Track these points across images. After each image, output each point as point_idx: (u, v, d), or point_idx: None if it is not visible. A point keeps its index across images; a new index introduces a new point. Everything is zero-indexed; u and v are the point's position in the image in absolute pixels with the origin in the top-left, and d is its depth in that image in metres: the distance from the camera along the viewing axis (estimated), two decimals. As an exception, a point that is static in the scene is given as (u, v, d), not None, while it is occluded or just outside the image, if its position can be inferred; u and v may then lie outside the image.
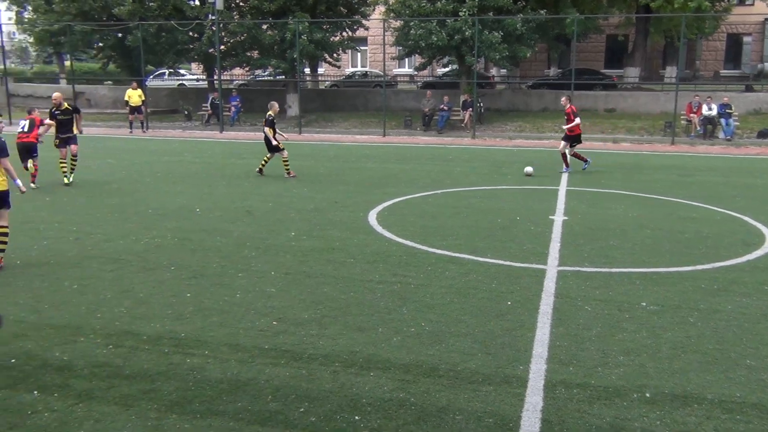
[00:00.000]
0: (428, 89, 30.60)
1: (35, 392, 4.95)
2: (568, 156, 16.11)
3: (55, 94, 14.58)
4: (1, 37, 33.28)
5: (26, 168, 13.53)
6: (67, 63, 38.22)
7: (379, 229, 10.11)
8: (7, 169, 8.05)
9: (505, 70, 36.15)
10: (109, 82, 38.16)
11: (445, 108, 26.98)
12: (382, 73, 31.74)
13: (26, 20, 40.20)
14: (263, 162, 15.33)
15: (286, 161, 15.15)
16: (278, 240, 9.41)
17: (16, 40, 54.62)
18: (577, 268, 8.03)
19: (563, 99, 16.27)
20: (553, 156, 18.41)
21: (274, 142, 14.88)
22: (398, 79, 41.74)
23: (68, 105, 14.48)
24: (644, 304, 6.80)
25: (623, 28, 37.17)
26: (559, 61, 40.44)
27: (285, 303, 6.85)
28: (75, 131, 14.52)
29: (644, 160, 18.79)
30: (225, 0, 27.87)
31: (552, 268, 8.08)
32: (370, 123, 28.37)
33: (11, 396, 4.91)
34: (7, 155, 8.04)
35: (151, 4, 29.01)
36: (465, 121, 26.69)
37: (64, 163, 14.15)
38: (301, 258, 8.50)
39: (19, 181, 8.33)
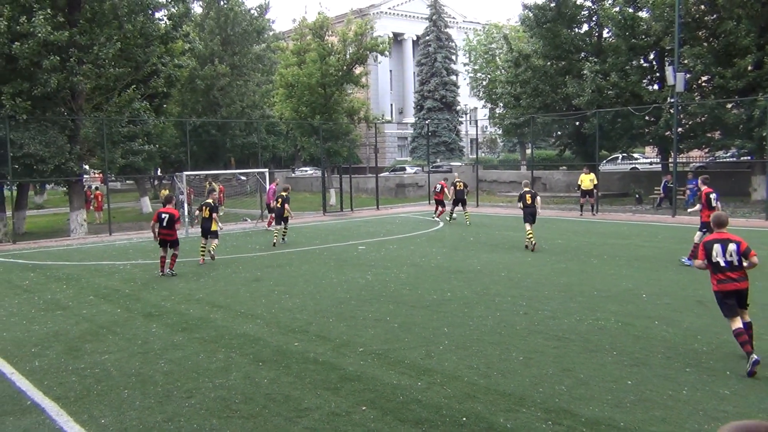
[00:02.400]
0: None
1: (480, 452, 5.33)
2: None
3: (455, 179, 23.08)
4: (477, 131, 38.30)
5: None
6: (528, 151, 41.73)
7: None
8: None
9: None
10: (564, 167, 40.26)
11: None
12: None
13: (497, 116, 45.59)
14: None
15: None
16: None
17: (488, 132, 62.10)
18: None
19: (699, 180, 13.98)
20: None
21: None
22: None
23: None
24: None
25: None
26: None
27: (741, 410, 6.04)
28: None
29: None
30: (686, 81, 27.02)
31: None
32: None
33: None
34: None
35: (609, 92, 29.88)
36: None
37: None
38: (765, 362, 7.43)
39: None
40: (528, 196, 16.89)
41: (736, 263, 7.37)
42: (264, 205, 26.59)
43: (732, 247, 7.41)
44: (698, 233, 13.84)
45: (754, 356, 7.03)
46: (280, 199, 19.38)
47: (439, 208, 25.67)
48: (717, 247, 7.46)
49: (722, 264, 7.42)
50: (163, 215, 14.11)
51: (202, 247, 16.33)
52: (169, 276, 14.18)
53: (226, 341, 8.87)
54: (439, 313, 10.11)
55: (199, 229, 16.96)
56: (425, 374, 7.26)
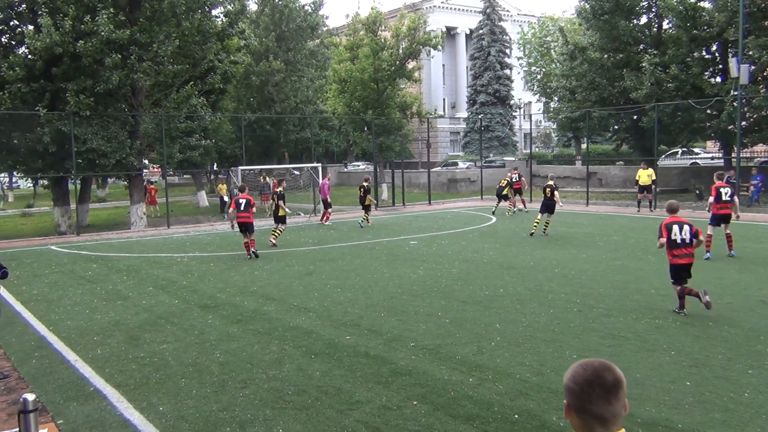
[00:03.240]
0: None
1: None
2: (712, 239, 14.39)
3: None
4: (531, 126, 37.80)
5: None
6: (583, 146, 40.95)
7: None
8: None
9: None
10: (621, 162, 39.35)
11: None
12: None
13: (551, 110, 44.89)
14: None
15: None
16: (801, 339, 8.10)
17: (542, 127, 61.16)
18: None
19: (714, 176, 15.12)
20: None
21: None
22: None
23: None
24: None
25: None
26: None
27: (806, 414, 5.81)
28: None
29: None
30: (751, 73, 26.04)
31: None
32: None
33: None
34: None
35: (668, 85, 29.06)
36: None
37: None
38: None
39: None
40: (548, 189, 18.75)
41: (689, 241, 9.32)
42: (318, 200, 26.84)
43: (686, 228, 9.38)
44: (709, 227, 14.49)
45: (707, 297, 9.16)
46: (362, 189, 23.06)
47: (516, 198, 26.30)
48: (675, 228, 9.37)
49: (679, 241, 9.33)
50: (241, 200, 16.35)
51: (279, 230, 18.50)
52: (254, 257, 16.01)
53: (279, 333, 9.00)
54: (491, 309, 10.04)
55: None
56: (477, 370, 7.22)
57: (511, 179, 25.69)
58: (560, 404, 6.18)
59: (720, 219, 14.50)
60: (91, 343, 8.85)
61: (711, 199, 14.61)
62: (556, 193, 18.58)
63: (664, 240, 9.37)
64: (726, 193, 14.46)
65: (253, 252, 16.04)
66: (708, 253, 14.10)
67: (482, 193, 34.89)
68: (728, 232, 14.57)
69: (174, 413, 6.29)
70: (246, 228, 16.11)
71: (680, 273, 9.45)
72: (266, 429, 5.83)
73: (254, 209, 16.42)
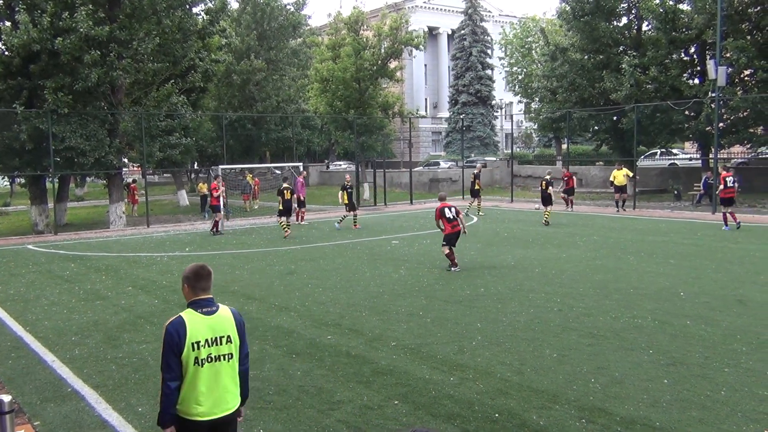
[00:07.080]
0: None
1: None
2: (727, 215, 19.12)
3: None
4: (512, 126, 37.99)
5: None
6: (564, 146, 41.25)
7: None
8: None
9: None
10: (601, 162, 39.68)
11: None
12: None
13: (532, 110, 45.17)
14: None
15: None
16: (776, 337, 8.23)
17: (524, 128, 61.44)
18: None
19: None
20: None
21: None
22: None
23: None
24: None
25: None
26: None
27: (781, 411, 5.90)
28: None
29: None
30: (729, 75, 26.36)
31: None
32: None
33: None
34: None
35: (648, 86, 29.34)
36: None
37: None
38: (806, 362, 7.24)
39: None
40: (544, 182, 22.06)
41: (454, 217, 13.45)
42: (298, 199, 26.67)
43: (453, 210, 13.53)
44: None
45: (454, 270, 13.38)
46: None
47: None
48: (446, 210, 13.48)
49: (451, 218, 13.43)
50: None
51: (288, 223, 20.09)
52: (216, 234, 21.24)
53: (260, 333, 8.96)
54: (472, 309, 10.08)
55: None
56: (458, 369, 7.24)
57: (477, 174, 26.11)
58: (541, 403, 6.22)
59: (724, 202, 19.20)
60: (68, 343, 8.75)
61: (721, 186, 19.08)
62: (551, 187, 21.78)
63: (441, 221, 13.48)
64: (730, 181, 18.97)
65: (216, 230, 21.54)
66: (725, 227, 19.02)
67: (464, 193, 34.96)
68: (731, 212, 19.07)
69: (153, 414, 6.22)
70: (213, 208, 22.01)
71: (452, 238, 13.47)
72: (247, 429, 5.79)
73: (215, 193, 21.70)
